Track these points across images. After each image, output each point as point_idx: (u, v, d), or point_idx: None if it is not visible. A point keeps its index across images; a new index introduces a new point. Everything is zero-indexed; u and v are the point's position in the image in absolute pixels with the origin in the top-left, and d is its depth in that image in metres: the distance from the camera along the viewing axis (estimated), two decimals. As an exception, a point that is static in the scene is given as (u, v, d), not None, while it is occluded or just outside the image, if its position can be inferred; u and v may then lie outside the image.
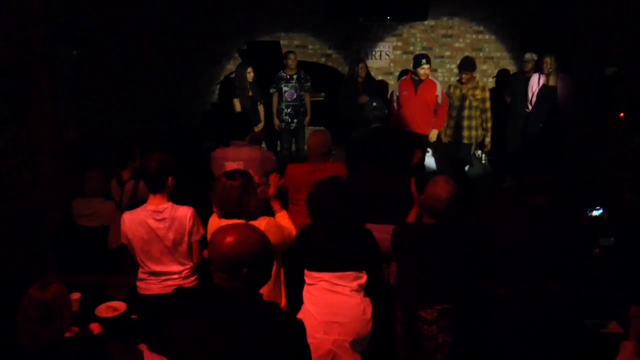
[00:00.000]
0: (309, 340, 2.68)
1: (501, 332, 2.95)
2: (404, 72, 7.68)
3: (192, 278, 3.15)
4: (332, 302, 2.66)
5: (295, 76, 6.96)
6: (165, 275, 3.10)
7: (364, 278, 2.72)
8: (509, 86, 7.41)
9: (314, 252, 2.74)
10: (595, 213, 3.79)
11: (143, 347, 2.93)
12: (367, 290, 2.74)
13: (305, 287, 2.78)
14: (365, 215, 2.74)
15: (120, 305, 3.27)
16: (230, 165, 4.08)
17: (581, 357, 3.00)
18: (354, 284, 2.69)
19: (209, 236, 2.78)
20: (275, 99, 7.05)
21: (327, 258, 2.70)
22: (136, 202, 4.09)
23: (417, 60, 6.20)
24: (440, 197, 2.82)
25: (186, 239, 3.04)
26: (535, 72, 6.72)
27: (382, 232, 2.98)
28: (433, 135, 6.36)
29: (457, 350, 2.92)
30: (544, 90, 6.44)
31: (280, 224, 2.90)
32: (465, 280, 2.94)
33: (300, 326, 1.87)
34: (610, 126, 5.55)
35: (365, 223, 2.79)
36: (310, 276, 2.75)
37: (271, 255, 1.94)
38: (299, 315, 2.66)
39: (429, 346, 2.87)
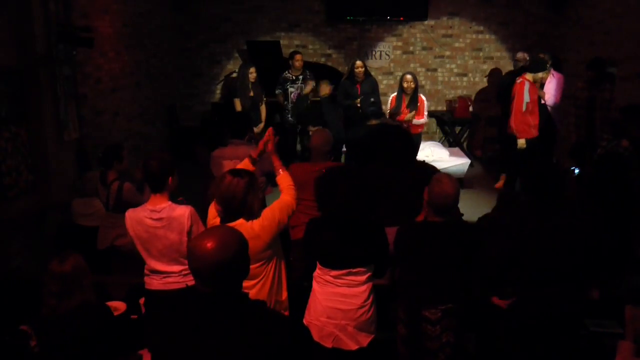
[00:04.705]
0: (315, 322, 2.82)
1: (502, 332, 2.95)
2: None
3: None
4: (338, 291, 2.82)
5: (300, 77, 6.96)
6: (166, 274, 3.11)
7: (372, 269, 2.87)
8: (500, 86, 7.42)
9: (325, 248, 2.81)
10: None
11: (144, 351, 2.94)
12: (372, 275, 2.90)
13: (316, 272, 2.90)
14: (368, 201, 2.77)
15: (120, 305, 3.27)
16: (228, 164, 4.08)
17: (581, 357, 3.00)
18: (362, 277, 2.83)
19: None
20: (281, 100, 7.06)
21: (338, 255, 2.79)
22: (121, 203, 4.08)
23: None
24: (448, 193, 2.83)
25: (185, 238, 3.04)
26: None
27: (391, 235, 2.99)
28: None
29: (460, 350, 2.92)
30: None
31: (272, 208, 2.85)
32: (468, 280, 2.94)
33: (284, 323, 1.88)
34: (604, 126, 5.57)
35: (369, 210, 2.82)
36: (321, 267, 2.87)
37: (247, 252, 1.92)
38: (310, 296, 2.93)
39: (432, 346, 2.87)
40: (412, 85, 6.23)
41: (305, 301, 2.96)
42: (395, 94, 6.44)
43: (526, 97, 5.97)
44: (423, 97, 6.43)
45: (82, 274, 2.47)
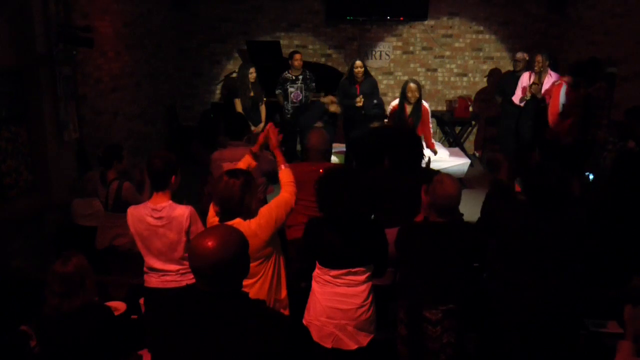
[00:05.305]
0: (314, 322, 2.83)
1: (502, 332, 2.95)
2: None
3: (192, 275, 3.14)
4: (337, 290, 2.81)
5: (300, 77, 6.96)
6: (164, 272, 3.13)
7: (371, 269, 2.86)
8: (500, 86, 7.43)
9: (325, 248, 2.81)
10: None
11: (144, 352, 2.95)
12: (372, 275, 2.89)
13: (316, 272, 2.90)
14: (372, 204, 2.77)
15: (120, 305, 3.28)
16: (228, 166, 4.07)
17: (581, 357, 3.00)
18: (362, 277, 2.83)
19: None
20: (281, 100, 7.06)
21: (337, 255, 2.79)
22: (120, 202, 4.09)
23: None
24: (450, 195, 2.83)
25: (184, 238, 3.06)
26: (526, 70, 6.74)
27: (392, 235, 2.99)
28: None
29: (461, 350, 2.92)
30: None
31: (270, 206, 2.86)
32: (469, 280, 2.95)
33: (284, 323, 1.89)
34: (610, 128, 5.56)
35: (374, 212, 2.82)
36: (320, 267, 2.86)
37: (248, 251, 1.93)
38: (310, 296, 2.92)
39: (433, 347, 2.86)
40: (417, 95, 5.83)
41: (305, 301, 2.96)
42: (397, 102, 6.02)
43: (562, 99, 5.83)
44: (426, 105, 6.05)
45: (85, 274, 2.48)
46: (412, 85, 5.83)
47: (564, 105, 5.80)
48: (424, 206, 3.15)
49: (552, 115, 5.95)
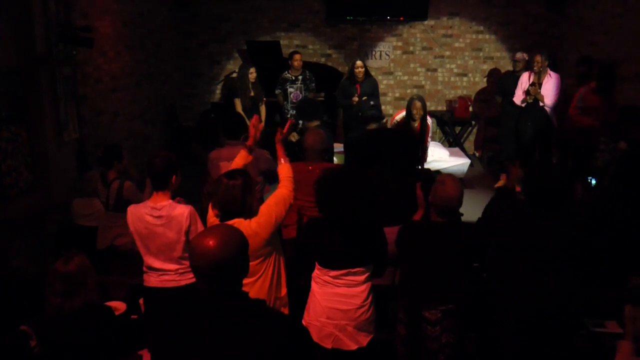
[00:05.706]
0: (314, 322, 2.83)
1: (502, 332, 2.95)
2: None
3: (190, 275, 3.15)
4: (337, 291, 2.81)
5: (300, 77, 6.96)
6: (162, 271, 3.14)
7: (371, 269, 2.85)
8: (500, 86, 7.43)
9: (324, 249, 2.81)
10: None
11: (144, 352, 2.95)
12: (371, 275, 2.88)
13: (315, 272, 2.89)
14: (373, 204, 2.76)
15: (120, 305, 3.28)
16: (225, 165, 4.07)
17: (581, 357, 3.01)
18: (362, 277, 2.82)
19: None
20: (281, 100, 7.07)
21: (337, 256, 2.79)
22: (122, 202, 4.09)
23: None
24: (452, 196, 2.85)
25: (183, 237, 3.06)
26: (526, 70, 6.74)
27: (392, 235, 2.99)
28: None
29: (460, 350, 2.92)
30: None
31: (268, 204, 2.85)
32: (469, 280, 2.95)
33: (284, 322, 1.90)
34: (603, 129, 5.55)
35: (373, 213, 2.81)
36: (319, 268, 2.86)
37: (248, 250, 1.94)
38: (309, 297, 2.91)
39: (432, 347, 2.88)
40: (421, 112, 5.76)
41: (304, 300, 2.96)
42: (402, 115, 5.93)
43: (578, 102, 5.82)
44: (429, 122, 6.01)
45: (87, 274, 2.48)
46: (417, 103, 5.73)
47: (581, 107, 5.79)
48: (421, 203, 3.16)
49: (570, 117, 5.96)
